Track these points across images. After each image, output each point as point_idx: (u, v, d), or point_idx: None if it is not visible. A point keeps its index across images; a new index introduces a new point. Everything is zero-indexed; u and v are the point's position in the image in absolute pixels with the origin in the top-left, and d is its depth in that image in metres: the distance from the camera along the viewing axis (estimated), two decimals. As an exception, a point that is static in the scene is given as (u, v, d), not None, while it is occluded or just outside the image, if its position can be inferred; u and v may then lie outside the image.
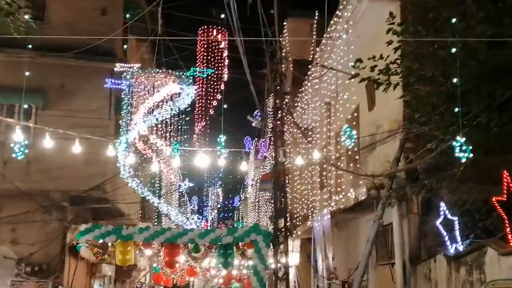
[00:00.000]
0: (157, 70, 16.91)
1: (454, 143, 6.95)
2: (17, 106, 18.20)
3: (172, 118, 17.03)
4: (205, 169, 17.55)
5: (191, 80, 16.58)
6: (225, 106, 18.05)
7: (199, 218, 36.98)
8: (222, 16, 16.78)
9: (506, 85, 7.11)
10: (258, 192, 28.66)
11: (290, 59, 20.25)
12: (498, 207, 8.53)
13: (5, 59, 18.12)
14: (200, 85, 17.73)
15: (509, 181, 8.27)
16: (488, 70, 7.20)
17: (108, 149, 14.06)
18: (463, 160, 7.29)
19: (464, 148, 6.91)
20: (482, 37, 6.85)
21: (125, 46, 20.20)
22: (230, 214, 47.66)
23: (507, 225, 8.33)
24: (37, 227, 18.14)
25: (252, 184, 33.51)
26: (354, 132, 11.10)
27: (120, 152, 16.01)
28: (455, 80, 6.96)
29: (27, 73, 11.11)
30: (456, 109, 6.98)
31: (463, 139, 6.91)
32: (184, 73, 16.28)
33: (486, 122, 7.24)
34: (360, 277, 12.23)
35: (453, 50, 6.97)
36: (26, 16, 12.12)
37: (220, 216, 46.87)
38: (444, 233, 10.16)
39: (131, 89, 16.79)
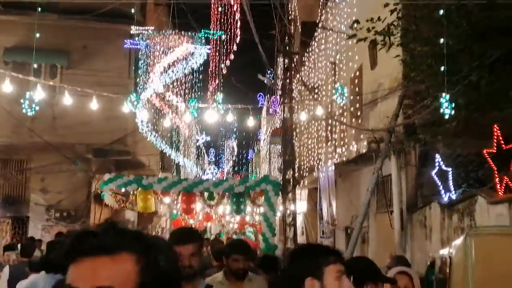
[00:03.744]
0: (171, 31, 16.80)
1: (440, 100, 6.88)
2: (43, 66, 18.26)
3: (187, 77, 17.00)
4: (219, 124, 17.54)
5: (203, 41, 16.48)
6: (236, 65, 17.93)
7: (215, 169, 37.21)
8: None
9: (496, 45, 6.99)
10: (269, 145, 28.74)
11: (298, 21, 20.00)
12: (489, 159, 8.49)
13: (31, 22, 18.05)
14: (214, 46, 17.55)
15: (499, 135, 8.20)
16: (480, 31, 7.07)
17: (126, 102, 14.07)
18: (446, 117, 7.23)
19: (447, 105, 6.85)
20: (473, -1, 6.72)
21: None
22: (245, 166, 47.92)
23: (496, 176, 8.30)
24: (64, 177, 18.40)
25: (264, 138, 33.57)
26: (345, 91, 10.97)
27: (137, 109, 16.06)
28: (441, 40, 6.84)
29: (37, 35, 10.92)
30: (442, 68, 6.87)
31: (448, 96, 6.84)
32: (197, 34, 16.16)
33: (477, 80, 7.15)
34: (360, 223, 12.33)
35: (443, 12, 6.84)
36: None
37: (235, 168, 47.12)
38: (438, 183, 10.16)
39: (147, 50, 16.73)
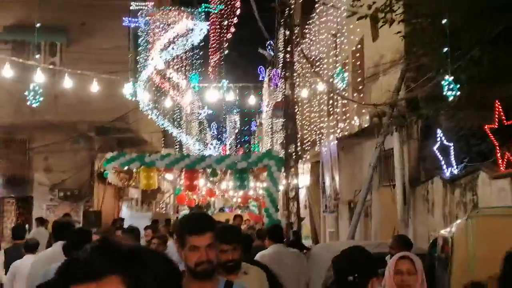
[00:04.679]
0: (170, 7, 16.65)
1: (442, 82, 6.83)
2: (42, 44, 18.17)
3: (187, 53, 16.90)
4: (221, 100, 17.52)
5: (203, 16, 16.35)
6: (236, 39, 17.82)
7: (217, 144, 37.24)
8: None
9: (496, 21, 6.91)
10: (271, 119, 28.69)
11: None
12: (490, 134, 8.47)
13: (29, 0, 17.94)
14: (214, 20, 17.42)
15: (501, 110, 8.16)
16: (480, 8, 6.98)
17: (126, 84, 14.04)
18: (450, 99, 7.18)
19: (451, 86, 6.80)
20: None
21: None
22: (247, 138, 47.94)
23: (498, 151, 8.28)
24: (67, 156, 18.45)
25: (267, 110, 33.50)
26: (346, 74, 10.88)
27: (138, 87, 16.02)
28: (443, 17, 6.77)
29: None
30: (445, 49, 6.82)
31: (451, 78, 6.79)
32: (197, 10, 16.02)
33: (479, 56, 7.09)
34: (363, 198, 12.36)
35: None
36: None
37: (238, 141, 47.20)
38: (441, 158, 10.15)
39: (147, 26, 16.61)
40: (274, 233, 7.06)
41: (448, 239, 5.47)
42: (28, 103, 10.18)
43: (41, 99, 10.11)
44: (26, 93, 10.02)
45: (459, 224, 5.23)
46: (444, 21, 6.81)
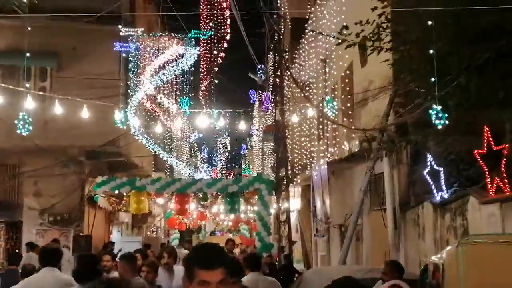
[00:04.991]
0: (161, 33, 16.76)
1: (430, 111, 6.93)
2: (33, 68, 18.21)
3: (177, 78, 16.97)
4: (211, 124, 17.53)
5: (193, 42, 16.44)
6: (227, 64, 17.96)
7: (208, 167, 37.21)
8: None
9: (483, 49, 7.03)
10: (262, 142, 28.77)
11: (288, 17, 19.96)
12: (479, 159, 8.55)
13: (18, 24, 17.95)
14: (204, 45, 17.54)
15: (489, 136, 8.26)
16: (467, 35, 7.11)
17: (116, 110, 14.06)
18: (439, 127, 7.27)
19: (440, 115, 6.89)
20: (463, 4, 6.75)
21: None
22: (238, 162, 47.96)
23: (487, 176, 8.36)
24: (57, 180, 18.35)
25: (257, 134, 33.59)
26: (335, 103, 11.01)
27: (128, 112, 16.01)
28: (430, 44, 6.89)
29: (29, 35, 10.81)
30: (433, 79, 6.92)
31: (439, 107, 6.88)
32: (187, 36, 16.13)
33: (466, 83, 7.20)
34: (354, 223, 12.38)
35: (432, 17, 6.89)
36: None
37: (228, 165, 47.18)
38: (431, 182, 10.21)
39: (137, 52, 16.68)
40: (252, 262, 7.53)
41: (439, 265, 5.50)
42: (18, 131, 10.16)
43: (31, 128, 10.10)
44: (16, 121, 10.01)
45: (450, 251, 5.27)
46: (431, 51, 6.92)
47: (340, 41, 8.91)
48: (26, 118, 9.93)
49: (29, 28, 10.53)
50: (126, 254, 7.50)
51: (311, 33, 16.89)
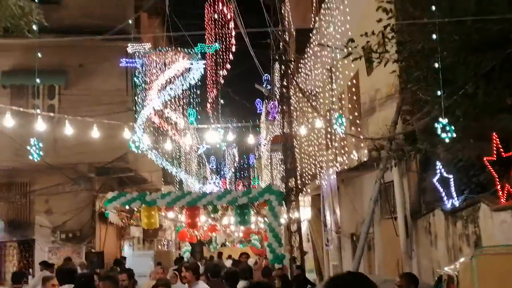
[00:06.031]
0: (167, 48, 16.83)
1: (436, 124, 6.92)
2: (41, 87, 18.33)
3: (184, 92, 17.04)
4: (219, 138, 17.58)
5: (199, 56, 16.52)
6: (233, 75, 18.02)
7: (217, 179, 37.26)
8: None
9: (490, 57, 7.03)
10: (270, 153, 28.77)
11: (292, 27, 20.02)
12: (489, 166, 8.51)
13: (26, 43, 18.08)
14: (210, 58, 17.61)
15: (498, 143, 8.23)
16: (474, 44, 7.11)
17: (126, 127, 14.15)
18: (447, 141, 7.26)
19: (447, 129, 6.89)
20: (467, 13, 6.76)
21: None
22: (246, 173, 47.93)
23: (498, 183, 8.31)
24: (68, 197, 18.45)
25: (265, 144, 33.60)
26: (343, 118, 11.02)
27: (137, 128, 16.09)
28: (436, 65, 6.88)
29: (39, 55, 10.93)
30: (439, 93, 6.92)
31: (446, 120, 6.88)
32: (192, 50, 16.21)
33: (473, 91, 7.19)
34: (365, 233, 12.32)
35: (437, 26, 6.89)
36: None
37: (237, 175, 47.16)
38: (441, 189, 10.17)
39: (144, 67, 16.76)
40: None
41: (453, 277, 5.48)
42: (30, 157, 10.24)
43: (41, 153, 10.19)
44: (28, 147, 10.09)
45: (463, 262, 5.24)
46: (436, 65, 6.92)
47: (346, 53, 8.92)
48: (36, 144, 10.02)
49: (39, 54, 10.46)
50: (109, 276, 7.68)
51: (317, 42, 16.92)
